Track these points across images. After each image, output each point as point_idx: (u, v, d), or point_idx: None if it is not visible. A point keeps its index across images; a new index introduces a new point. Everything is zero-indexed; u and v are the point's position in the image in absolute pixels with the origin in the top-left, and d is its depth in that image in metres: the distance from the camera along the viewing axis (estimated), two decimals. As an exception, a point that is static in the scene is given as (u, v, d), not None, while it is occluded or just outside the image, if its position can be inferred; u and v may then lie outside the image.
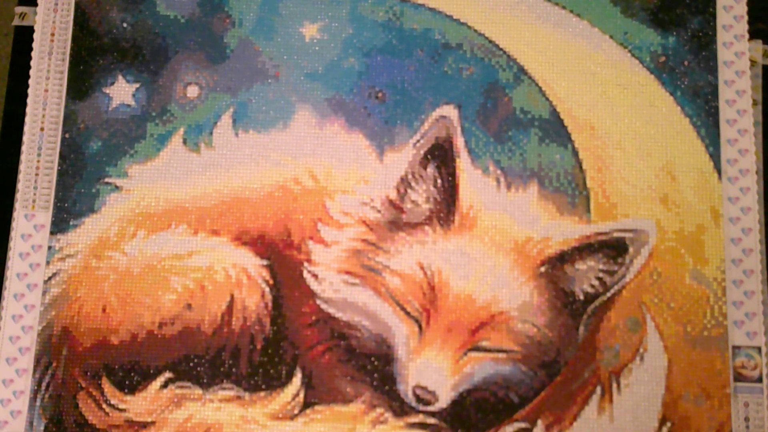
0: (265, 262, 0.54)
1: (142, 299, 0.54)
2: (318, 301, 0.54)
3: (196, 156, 0.56)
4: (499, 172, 0.55)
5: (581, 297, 0.54)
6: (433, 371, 0.53)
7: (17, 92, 0.58)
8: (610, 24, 0.57)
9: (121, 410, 0.53)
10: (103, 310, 0.54)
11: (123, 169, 0.56)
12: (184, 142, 0.56)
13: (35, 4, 0.59)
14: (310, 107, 0.57)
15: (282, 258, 0.54)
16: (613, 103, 0.56)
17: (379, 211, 0.55)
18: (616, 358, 0.53)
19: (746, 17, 0.58)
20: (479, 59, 0.57)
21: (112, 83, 0.57)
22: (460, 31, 0.57)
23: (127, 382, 0.53)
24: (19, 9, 0.61)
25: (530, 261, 0.54)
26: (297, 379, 0.53)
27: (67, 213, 0.55)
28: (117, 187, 0.56)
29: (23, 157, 0.56)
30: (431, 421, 0.53)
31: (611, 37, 0.57)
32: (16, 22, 0.61)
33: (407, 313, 0.53)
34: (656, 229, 0.55)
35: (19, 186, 0.56)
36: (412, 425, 0.53)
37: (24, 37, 0.60)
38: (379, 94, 0.57)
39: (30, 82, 0.57)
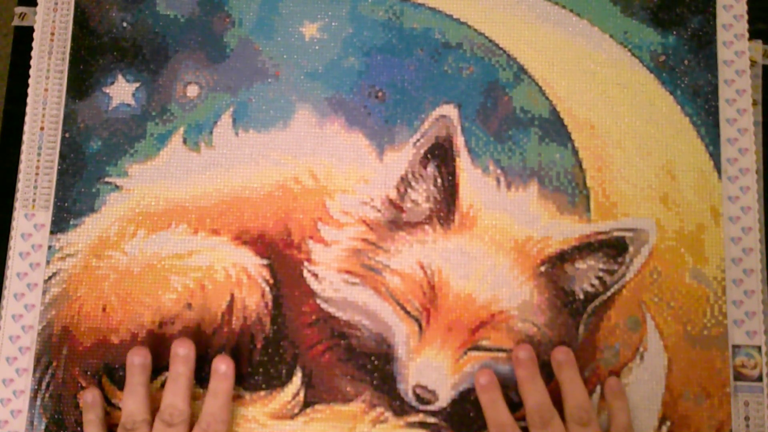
0: (265, 262, 0.54)
1: (142, 299, 0.54)
2: (318, 301, 0.54)
3: (196, 155, 0.56)
4: (499, 171, 0.55)
5: (581, 296, 0.54)
6: (434, 370, 0.53)
7: (17, 92, 0.58)
8: (609, 23, 0.57)
9: (120, 409, 0.53)
10: (104, 309, 0.54)
11: (123, 168, 0.56)
12: (184, 141, 0.56)
13: (35, 4, 0.59)
14: (310, 106, 0.57)
15: (282, 257, 0.54)
16: (613, 103, 0.56)
17: (379, 211, 0.55)
18: (616, 357, 0.53)
19: (746, 16, 0.58)
20: (479, 59, 0.57)
21: (112, 83, 0.57)
22: (460, 31, 0.57)
23: (127, 382, 0.53)
24: (18, 9, 0.61)
25: (530, 260, 0.54)
26: (297, 379, 0.53)
27: (67, 212, 0.55)
28: (117, 187, 0.56)
29: (23, 156, 0.56)
30: (431, 420, 0.53)
31: (611, 36, 0.57)
32: (16, 22, 0.61)
33: (407, 313, 0.53)
34: (656, 228, 0.55)
35: (19, 185, 0.56)
36: (412, 424, 0.53)
37: (24, 37, 0.60)
38: (379, 94, 0.57)
39: (30, 81, 0.57)
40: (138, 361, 0.52)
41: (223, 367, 0.52)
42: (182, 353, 0.51)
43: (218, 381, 0.51)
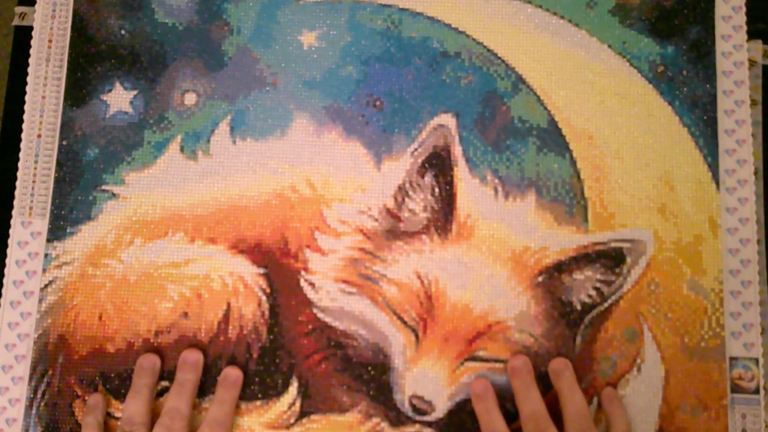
0: (261, 271, 0.54)
1: (138, 307, 0.54)
2: (315, 310, 0.54)
3: (194, 163, 0.56)
4: (496, 181, 0.55)
5: (578, 307, 0.54)
6: (430, 381, 0.53)
7: (17, 92, 0.58)
8: (608, 33, 0.57)
9: (116, 418, 0.53)
10: (100, 318, 0.54)
11: (120, 176, 0.56)
12: (182, 149, 0.56)
13: (35, 3, 0.59)
14: (307, 115, 0.56)
15: (279, 266, 0.54)
16: (612, 113, 0.56)
17: (376, 220, 0.55)
18: (613, 369, 0.53)
19: (745, 27, 0.57)
20: (477, 68, 0.57)
21: (110, 90, 0.57)
22: (459, 40, 0.57)
23: (123, 391, 0.53)
24: (19, 9, 0.61)
25: (527, 270, 0.54)
26: (293, 388, 0.53)
27: (63, 220, 0.55)
28: (114, 195, 0.56)
29: (20, 164, 0.56)
30: (428, 431, 0.53)
31: (610, 46, 0.57)
32: (16, 22, 0.61)
33: (404, 323, 0.53)
34: (654, 239, 0.55)
35: (16, 193, 0.56)
36: (409, 435, 0.53)
37: (24, 37, 0.60)
38: (377, 103, 0.56)
39: (27, 89, 0.57)
40: (148, 364, 0.52)
41: (232, 376, 0.52)
42: (192, 360, 0.52)
43: (226, 389, 0.52)
